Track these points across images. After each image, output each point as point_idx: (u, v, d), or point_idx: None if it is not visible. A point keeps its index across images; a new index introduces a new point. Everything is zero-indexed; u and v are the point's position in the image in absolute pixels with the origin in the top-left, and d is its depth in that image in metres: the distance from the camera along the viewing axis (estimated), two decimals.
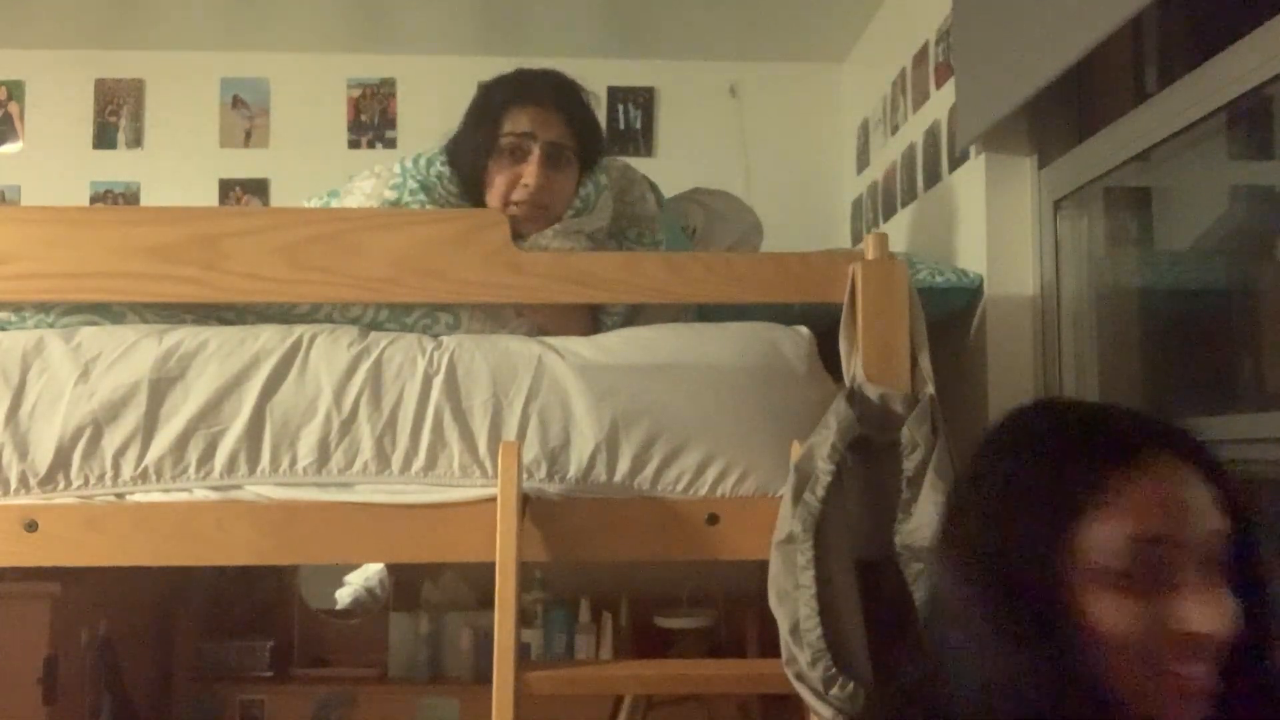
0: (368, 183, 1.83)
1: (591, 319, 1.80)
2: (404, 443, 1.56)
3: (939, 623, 0.89)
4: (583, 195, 1.80)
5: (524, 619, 2.48)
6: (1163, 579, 0.80)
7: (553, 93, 1.80)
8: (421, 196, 1.77)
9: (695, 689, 1.98)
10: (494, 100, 1.80)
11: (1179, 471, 0.83)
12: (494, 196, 1.76)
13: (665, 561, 1.68)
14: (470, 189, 1.79)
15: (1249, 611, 0.82)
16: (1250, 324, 1.67)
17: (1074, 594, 0.81)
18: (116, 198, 2.94)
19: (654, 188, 1.98)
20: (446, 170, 1.81)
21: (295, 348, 1.58)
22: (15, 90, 2.97)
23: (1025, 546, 0.83)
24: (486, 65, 2.92)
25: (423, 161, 1.82)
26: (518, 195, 1.75)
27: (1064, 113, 1.94)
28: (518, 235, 1.71)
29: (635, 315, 1.81)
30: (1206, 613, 0.79)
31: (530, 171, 1.74)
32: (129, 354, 1.57)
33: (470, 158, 1.79)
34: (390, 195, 1.78)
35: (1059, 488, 0.83)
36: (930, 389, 1.57)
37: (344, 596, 2.72)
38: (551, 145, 1.76)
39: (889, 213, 2.56)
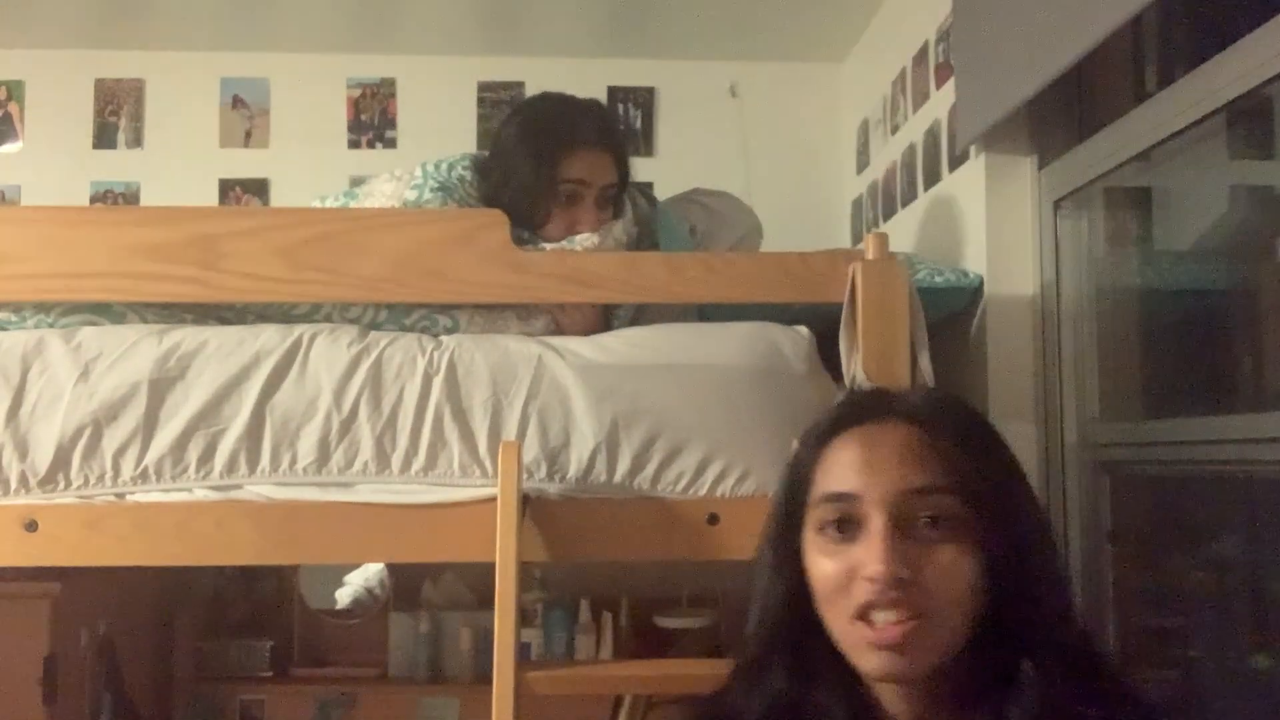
0: (388, 185, 1.84)
1: (604, 318, 1.81)
2: (404, 442, 1.56)
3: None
4: (622, 206, 1.88)
5: (524, 619, 2.48)
6: (855, 533, 0.87)
7: (602, 134, 1.86)
8: (442, 196, 1.78)
9: (695, 689, 1.98)
10: (546, 144, 1.82)
11: (890, 435, 0.90)
12: (550, 232, 1.81)
13: (665, 561, 1.68)
14: (512, 218, 1.80)
15: (999, 569, 0.86)
16: (1250, 324, 1.67)
17: (808, 558, 0.91)
18: (116, 198, 2.94)
19: (642, 190, 2.02)
20: (469, 175, 1.84)
21: (295, 348, 1.58)
22: (15, 90, 2.97)
23: (777, 525, 0.95)
24: (486, 65, 2.98)
25: (444, 165, 1.84)
26: (573, 233, 1.80)
27: (1064, 113, 1.94)
28: None
29: (641, 314, 1.82)
30: (870, 556, 0.85)
31: (587, 220, 1.81)
32: (129, 354, 1.57)
33: (522, 199, 1.80)
34: (410, 195, 1.79)
35: (800, 465, 0.95)
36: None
37: (344, 596, 2.72)
38: (603, 189, 1.83)
39: (889, 213, 2.56)
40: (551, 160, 1.80)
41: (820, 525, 0.90)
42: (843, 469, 0.90)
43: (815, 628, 0.90)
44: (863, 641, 0.86)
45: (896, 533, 0.85)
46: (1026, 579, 0.86)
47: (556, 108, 1.89)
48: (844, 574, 0.87)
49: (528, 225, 1.80)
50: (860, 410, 0.94)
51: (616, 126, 1.94)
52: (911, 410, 0.91)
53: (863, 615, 0.85)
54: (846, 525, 0.88)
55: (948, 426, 0.90)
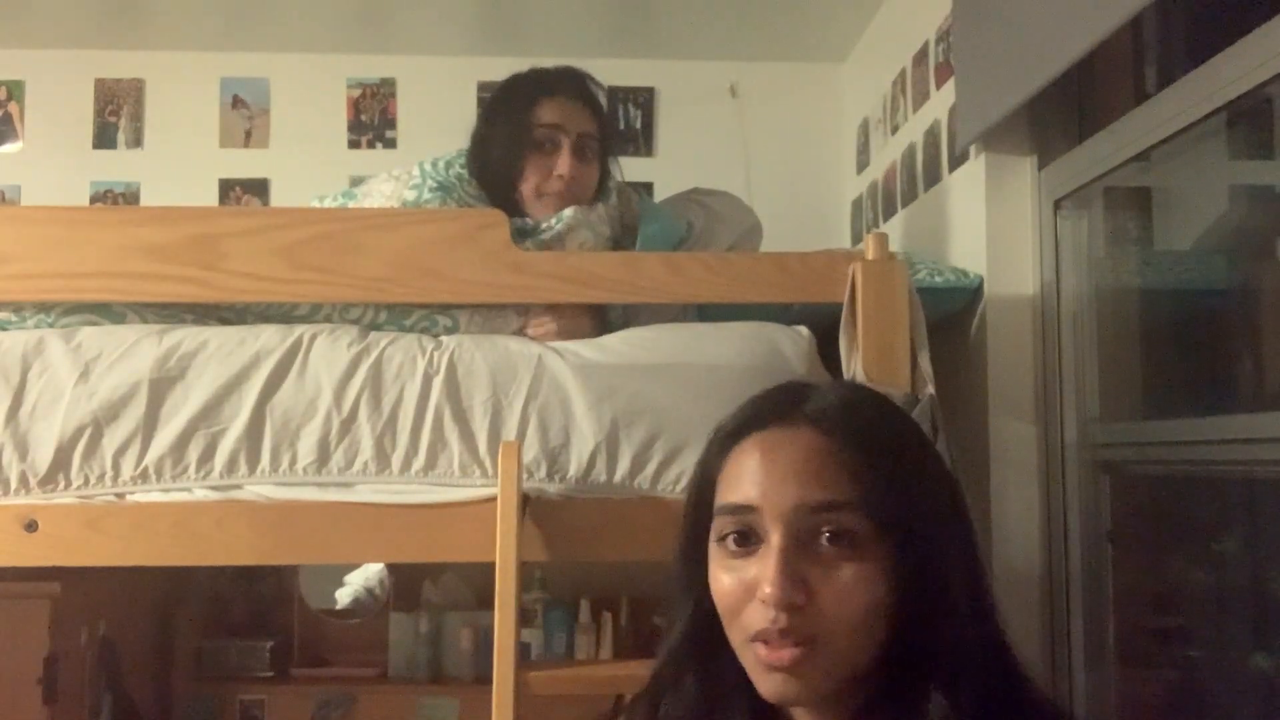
0: (387, 185, 1.84)
1: (600, 320, 1.80)
2: (404, 442, 1.56)
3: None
4: (606, 189, 1.88)
5: (524, 619, 2.48)
6: (755, 547, 0.82)
7: (576, 86, 1.87)
8: (441, 195, 1.78)
9: None
10: (520, 94, 1.85)
11: (793, 443, 0.83)
12: (528, 187, 1.82)
13: (665, 561, 1.68)
14: (495, 184, 1.82)
15: (909, 589, 0.80)
16: (1250, 324, 1.67)
17: (710, 571, 0.85)
18: (116, 198, 2.94)
19: (635, 188, 2.04)
20: (465, 172, 1.84)
21: (295, 348, 1.58)
22: (15, 90, 2.97)
23: (687, 529, 0.89)
24: (486, 65, 2.98)
25: (441, 164, 1.85)
26: (552, 186, 1.81)
27: (1064, 113, 1.93)
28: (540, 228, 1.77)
29: (638, 314, 1.81)
30: (764, 577, 0.79)
31: (563, 162, 1.81)
32: (129, 354, 1.57)
33: (500, 152, 1.83)
34: (409, 195, 1.79)
35: (706, 469, 0.88)
36: (930, 389, 1.57)
37: (344, 596, 2.72)
38: (580, 137, 1.83)
39: (889, 213, 2.56)
40: (525, 107, 1.82)
41: (720, 536, 0.84)
42: (743, 478, 0.84)
43: (724, 643, 0.85)
44: (757, 662, 0.81)
45: (795, 551, 0.79)
46: (940, 600, 0.80)
47: (532, 70, 1.91)
48: (741, 591, 0.82)
49: (508, 182, 1.81)
50: (767, 413, 0.86)
51: (592, 83, 1.92)
52: (819, 415, 0.84)
53: (758, 636, 0.80)
54: (746, 538, 0.82)
55: (856, 434, 0.83)
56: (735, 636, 0.83)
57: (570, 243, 1.77)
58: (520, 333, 1.71)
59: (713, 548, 0.85)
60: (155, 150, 2.97)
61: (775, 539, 0.80)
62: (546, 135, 1.82)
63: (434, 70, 3.00)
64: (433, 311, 1.69)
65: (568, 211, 1.78)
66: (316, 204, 1.92)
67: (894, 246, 1.66)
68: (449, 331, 1.69)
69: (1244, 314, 1.70)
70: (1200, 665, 1.74)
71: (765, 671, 0.80)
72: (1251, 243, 1.65)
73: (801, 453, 0.82)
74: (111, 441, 1.55)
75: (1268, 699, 1.54)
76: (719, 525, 0.84)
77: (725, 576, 0.83)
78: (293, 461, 1.56)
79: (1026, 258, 1.94)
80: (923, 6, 2.30)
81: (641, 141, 3.00)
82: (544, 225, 1.78)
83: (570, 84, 1.86)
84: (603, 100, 1.93)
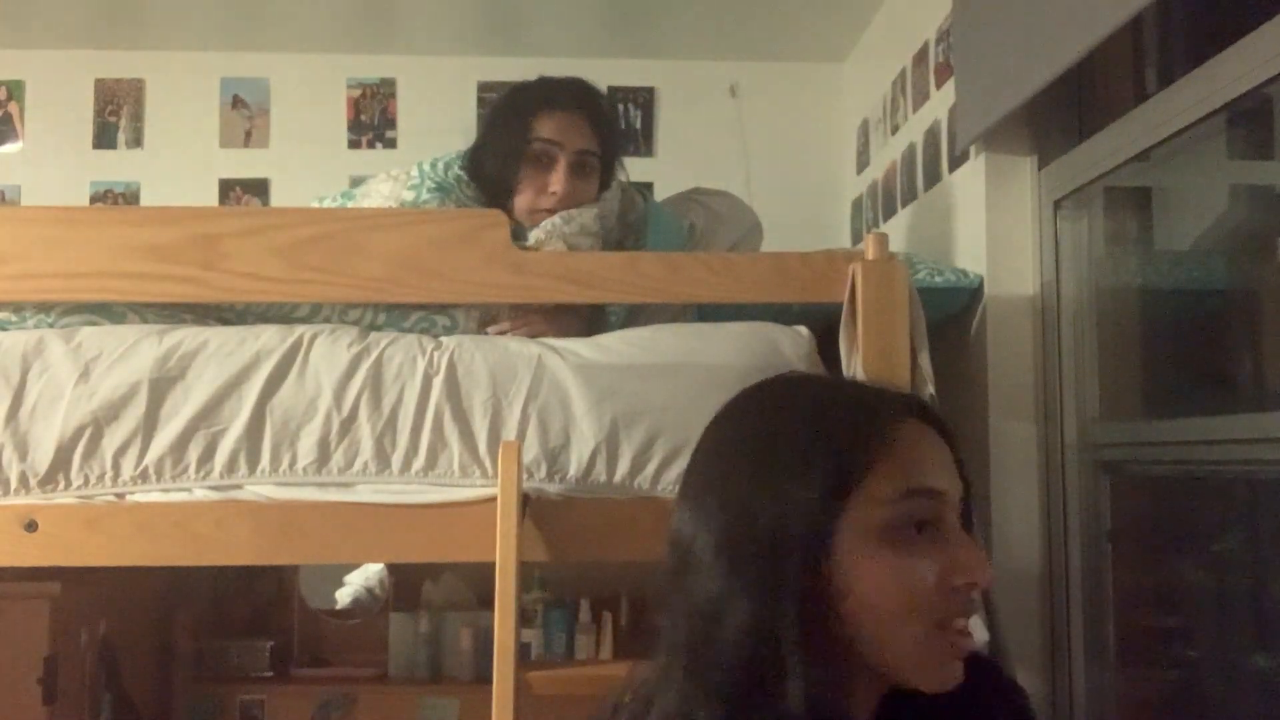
0: (385, 185, 1.83)
1: (590, 322, 1.80)
2: (404, 443, 1.56)
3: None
4: (604, 198, 1.85)
5: (524, 619, 2.48)
6: (937, 532, 0.80)
7: (578, 99, 1.83)
8: (439, 196, 1.78)
9: None
10: (520, 106, 1.82)
11: (929, 434, 0.85)
12: (522, 202, 1.80)
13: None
14: (493, 193, 1.80)
15: None
16: (1250, 324, 1.67)
17: (849, 562, 0.78)
18: (116, 198, 2.94)
19: (639, 189, 2.02)
20: (464, 175, 1.83)
21: (295, 348, 1.58)
22: (15, 90, 2.97)
23: (807, 518, 0.79)
24: (486, 65, 2.98)
25: (440, 165, 1.84)
26: (545, 203, 1.79)
27: (1064, 113, 1.94)
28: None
29: (636, 314, 1.81)
30: (971, 559, 0.80)
31: (557, 180, 1.79)
32: (129, 354, 1.57)
33: (497, 163, 1.81)
34: (408, 196, 1.78)
35: (844, 450, 0.80)
36: (930, 389, 1.57)
37: (344, 596, 2.72)
38: (578, 154, 1.80)
39: (889, 213, 2.56)
40: (523, 119, 1.80)
41: (896, 523, 0.79)
42: (922, 462, 0.81)
43: (833, 645, 0.79)
44: (947, 652, 0.80)
45: None
46: None
47: (537, 79, 1.88)
48: (936, 578, 0.78)
49: (504, 193, 1.79)
50: (891, 404, 0.85)
51: (597, 96, 1.89)
52: (923, 409, 0.87)
53: (942, 624, 0.79)
54: (922, 526, 0.80)
55: (948, 431, 0.87)
56: (912, 629, 0.79)
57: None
58: (501, 331, 1.71)
59: (873, 537, 0.79)
60: (155, 150, 2.97)
61: (954, 523, 0.82)
62: (543, 150, 1.79)
63: (434, 70, 3.00)
64: (432, 312, 1.69)
65: (546, 222, 1.77)
66: (316, 204, 1.92)
67: (894, 246, 1.66)
68: (448, 332, 1.69)
69: (1244, 314, 1.70)
70: (1200, 665, 1.74)
71: (951, 660, 0.80)
72: (1251, 243, 1.65)
73: (941, 442, 0.85)
74: (111, 441, 1.54)
75: (1268, 699, 1.54)
76: (901, 510, 0.79)
77: (910, 565, 0.78)
78: (293, 461, 1.55)
79: (1026, 258, 1.95)
80: (923, 6, 2.31)
81: (641, 141, 3.00)
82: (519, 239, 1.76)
83: (571, 97, 1.82)
84: (608, 112, 1.90)
